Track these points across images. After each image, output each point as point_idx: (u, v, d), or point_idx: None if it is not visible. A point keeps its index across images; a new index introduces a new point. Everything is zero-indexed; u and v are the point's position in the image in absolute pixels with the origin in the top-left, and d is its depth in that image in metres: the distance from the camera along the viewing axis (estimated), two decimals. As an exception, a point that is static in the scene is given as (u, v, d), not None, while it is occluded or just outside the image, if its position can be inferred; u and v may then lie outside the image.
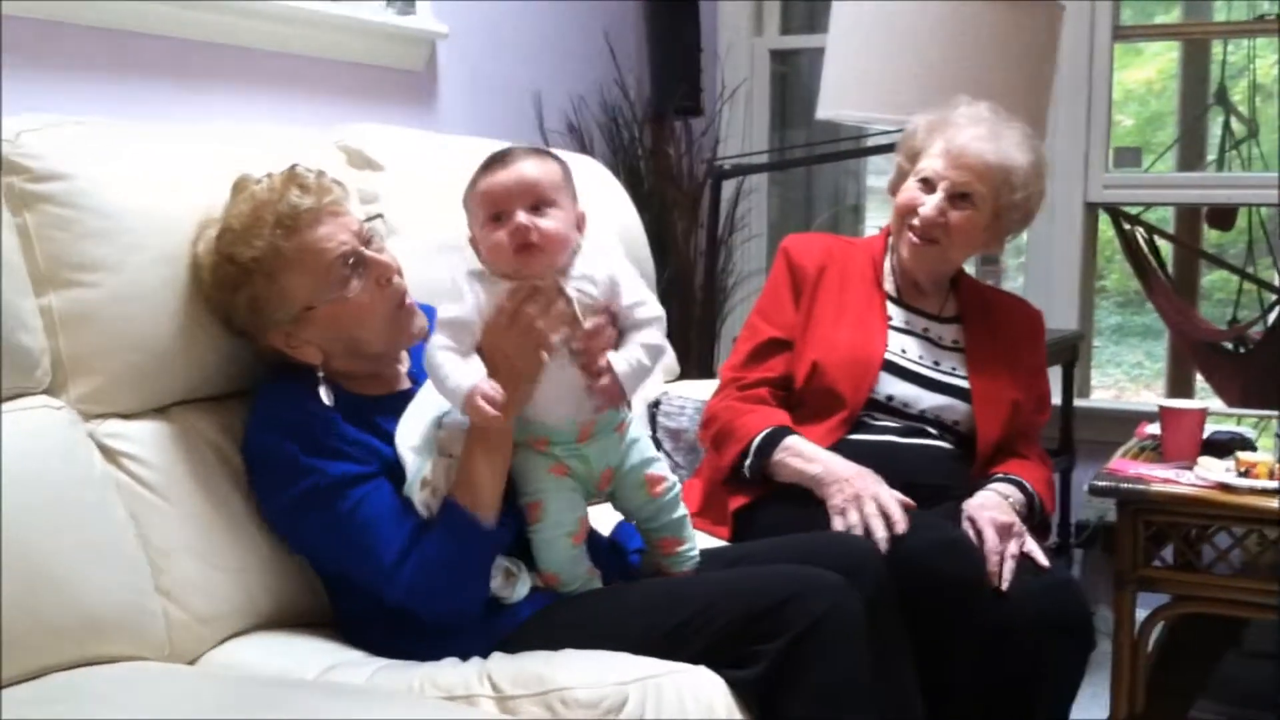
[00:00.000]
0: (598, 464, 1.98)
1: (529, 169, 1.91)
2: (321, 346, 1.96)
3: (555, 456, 1.96)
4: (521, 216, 1.87)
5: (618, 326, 1.94)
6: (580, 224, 1.96)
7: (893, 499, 2.19)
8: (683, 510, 2.06)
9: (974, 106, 2.51)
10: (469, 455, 1.91)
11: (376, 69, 3.19)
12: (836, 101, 3.12)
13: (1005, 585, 2.15)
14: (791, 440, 2.36)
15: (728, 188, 3.87)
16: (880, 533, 2.12)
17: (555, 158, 1.98)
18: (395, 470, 1.93)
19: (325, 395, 1.94)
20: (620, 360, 1.91)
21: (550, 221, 1.89)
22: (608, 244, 1.98)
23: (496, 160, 1.93)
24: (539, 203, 1.89)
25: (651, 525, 2.05)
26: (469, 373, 1.87)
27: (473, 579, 1.90)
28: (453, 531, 1.88)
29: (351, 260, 1.94)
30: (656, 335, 1.96)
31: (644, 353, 1.93)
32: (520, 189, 1.89)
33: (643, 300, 1.96)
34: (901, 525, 2.14)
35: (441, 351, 1.88)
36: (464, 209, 1.96)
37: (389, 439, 1.95)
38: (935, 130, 2.49)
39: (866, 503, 2.18)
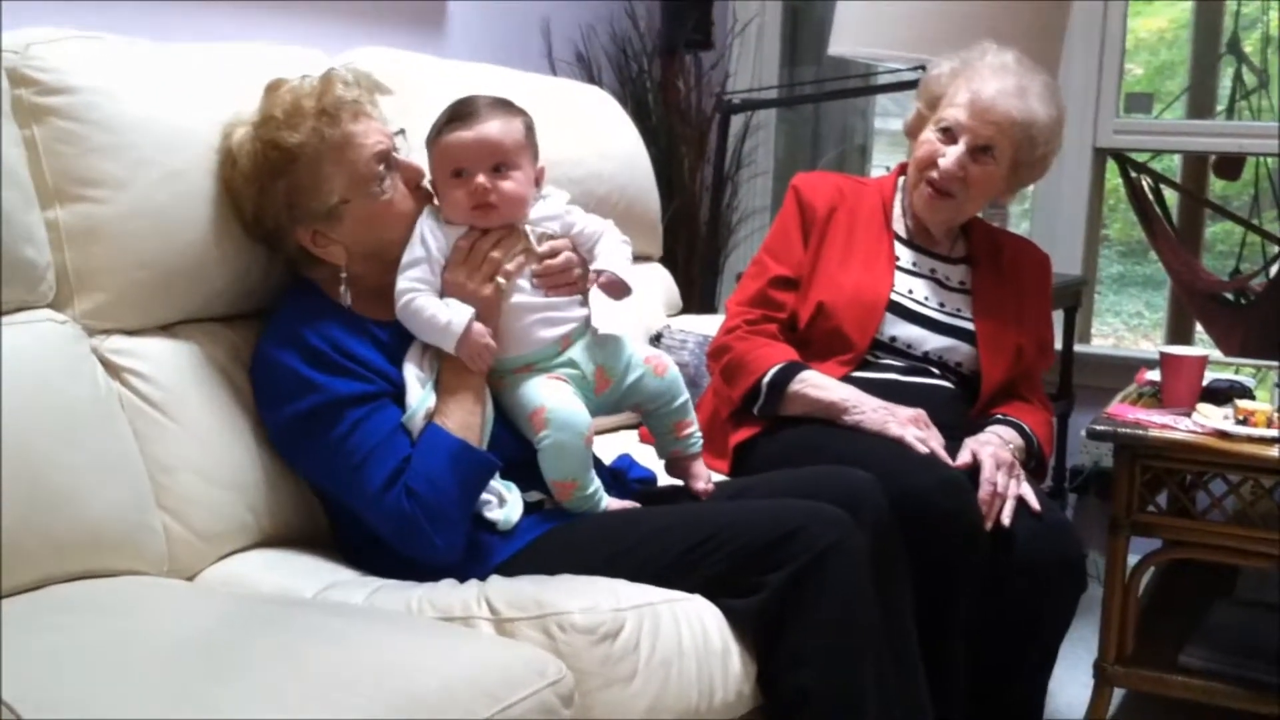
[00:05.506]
0: (587, 364, 2.03)
1: (493, 130, 1.95)
2: (347, 248, 1.97)
3: (545, 370, 2.00)
4: (482, 178, 1.94)
5: (582, 254, 2.03)
6: (539, 179, 2.03)
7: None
8: (686, 394, 2.13)
9: (1000, 55, 2.46)
10: (450, 386, 1.94)
11: (386, -7, 3.17)
12: (850, 38, 3.09)
13: (1007, 520, 2.16)
14: (809, 373, 2.37)
15: (735, 123, 3.85)
16: (940, 450, 2.21)
17: (520, 112, 2.01)
18: (401, 392, 1.94)
19: (345, 295, 1.96)
20: (605, 260, 2.00)
21: (510, 183, 1.96)
22: (563, 197, 2.06)
23: (461, 114, 1.97)
24: (500, 163, 1.95)
25: (667, 409, 2.11)
26: (460, 310, 1.91)
27: (454, 507, 1.88)
28: (434, 450, 1.89)
29: (384, 163, 1.96)
30: (615, 231, 2.06)
31: (616, 244, 2.03)
32: (483, 149, 1.95)
33: (589, 219, 2.05)
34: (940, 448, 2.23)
35: (420, 295, 1.92)
36: (426, 153, 2.00)
37: (396, 361, 1.96)
38: (959, 77, 2.45)
39: (911, 424, 2.26)
